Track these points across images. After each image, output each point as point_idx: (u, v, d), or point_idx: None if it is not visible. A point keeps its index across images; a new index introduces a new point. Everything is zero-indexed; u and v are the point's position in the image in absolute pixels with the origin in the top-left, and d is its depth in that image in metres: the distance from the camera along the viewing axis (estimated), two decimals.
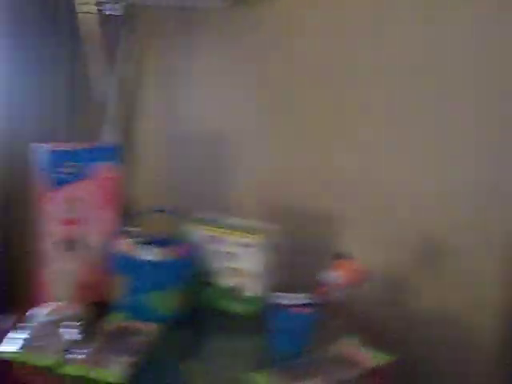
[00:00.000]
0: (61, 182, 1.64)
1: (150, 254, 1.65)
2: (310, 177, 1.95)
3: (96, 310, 1.60)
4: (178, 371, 1.48)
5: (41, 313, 1.55)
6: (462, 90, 1.76)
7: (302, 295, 1.58)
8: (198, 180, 2.10)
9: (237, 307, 1.73)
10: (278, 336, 1.55)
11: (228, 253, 1.72)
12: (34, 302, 1.63)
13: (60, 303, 1.60)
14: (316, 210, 1.93)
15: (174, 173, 2.13)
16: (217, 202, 2.04)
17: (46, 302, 1.63)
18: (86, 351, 1.43)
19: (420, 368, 1.83)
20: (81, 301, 1.64)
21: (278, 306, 1.55)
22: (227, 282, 1.73)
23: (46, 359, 1.39)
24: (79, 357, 1.41)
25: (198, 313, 1.70)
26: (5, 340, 1.45)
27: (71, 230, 1.67)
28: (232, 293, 1.73)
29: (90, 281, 1.70)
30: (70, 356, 1.41)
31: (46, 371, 1.37)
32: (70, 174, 1.65)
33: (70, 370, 1.37)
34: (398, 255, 1.86)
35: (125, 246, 1.66)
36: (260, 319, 1.65)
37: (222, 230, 1.74)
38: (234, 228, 1.74)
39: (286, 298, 1.58)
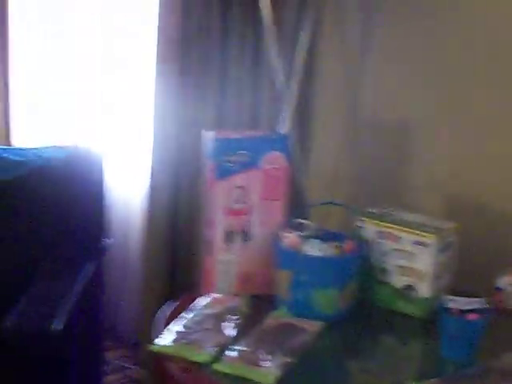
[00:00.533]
0: (228, 172, 1.60)
1: (317, 250, 1.58)
2: (496, 167, 1.79)
3: (257, 303, 1.56)
4: (336, 372, 1.40)
5: (202, 304, 1.53)
6: None
7: (477, 300, 1.45)
8: (375, 171, 2.00)
9: (406, 308, 1.61)
10: (448, 342, 1.43)
11: (401, 251, 1.61)
12: (198, 291, 1.62)
13: (221, 295, 1.57)
14: (501, 208, 1.78)
15: (349, 163, 2.05)
16: (393, 194, 1.94)
17: (209, 291, 1.60)
18: (242, 348, 1.38)
19: None
20: (243, 293, 1.60)
21: (451, 311, 1.43)
22: (398, 281, 1.62)
23: (200, 355, 1.36)
24: (235, 354, 1.36)
25: (364, 311, 1.61)
26: (163, 332, 1.43)
27: (237, 220, 1.63)
28: (402, 293, 1.62)
29: (254, 273, 1.65)
30: (226, 352, 1.37)
31: (199, 367, 1.34)
32: (237, 163, 1.60)
33: (223, 367, 1.33)
34: None
35: (291, 239, 1.59)
36: (430, 322, 1.53)
37: (396, 226, 1.63)
38: (408, 225, 1.62)
39: (459, 302, 1.45)
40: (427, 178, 1.90)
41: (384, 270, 1.64)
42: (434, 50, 1.86)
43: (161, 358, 1.38)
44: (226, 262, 1.64)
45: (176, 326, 1.45)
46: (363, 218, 1.66)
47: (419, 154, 1.92)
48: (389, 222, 1.64)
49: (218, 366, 1.33)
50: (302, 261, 1.56)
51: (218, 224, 1.63)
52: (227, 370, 1.32)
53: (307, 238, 1.62)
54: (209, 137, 1.63)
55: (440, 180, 1.88)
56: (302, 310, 1.54)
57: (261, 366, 1.32)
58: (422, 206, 1.84)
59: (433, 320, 1.51)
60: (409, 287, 1.61)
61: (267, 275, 1.62)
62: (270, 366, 1.33)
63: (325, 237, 1.63)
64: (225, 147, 1.60)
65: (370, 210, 1.70)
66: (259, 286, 1.64)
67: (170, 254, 2.27)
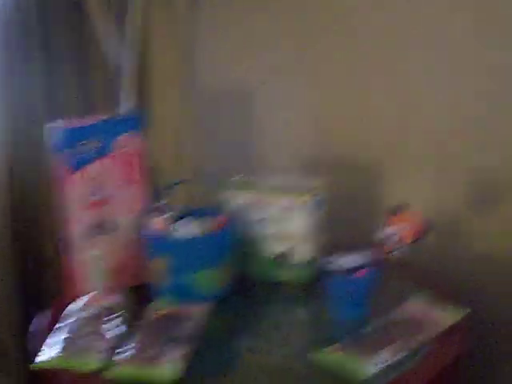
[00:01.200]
0: (81, 163, 1.48)
1: (187, 231, 1.50)
2: (350, 125, 1.79)
3: (135, 297, 1.46)
4: (234, 351, 1.34)
5: (77, 308, 1.42)
6: None
7: (359, 256, 1.43)
8: (226, 142, 1.95)
9: (286, 275, 1.58)
10: (338, 303, 1.41)
11: (272, 217, 1.57)
12: (67, 296, 1.50)
13: (95, 294, 1.46)
14: (361, 160, 1.78)
15: (198, 135, 1.98)
16: (250, 161, 1.89)
17: (79, 294, 1.49)
18: (133, 346, 1.29)
19: (494, 317, 1.68)
20: (117, 288, 1.50)
21: (334, 271, 1.41)
22: (274, 249, 1.58)
23: (91, 363, 1.25)
24: (125, 355, 1.26)
25: (245, 286, 1.56)
26: (43, 347, 1.30)
27: (98, 212, 1.52)
28: (280, 261, 1.58)
29: (125, 265, 1.55)
30: (118, 356, 1.27)
31: (94, 376, 1.24)
32: (89, 151, 1.49)
33: (116, 373, 1.23)
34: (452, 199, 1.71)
35: (158, 224, 1.51)
36: (312, 286, 1.51)
37: (263, 192, 1.58)
38: (275, 189, 1.58)
39: (342, 261, 1.43)
40: (283, 139, 1.86)
41: (258, 241, 1.59)
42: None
43: (46, 375, 1.26)
44: (92, 258, 1.52)
45: (55, 338, 1.33)
46: (227, 190, 1.60)
47: (274, 117, 1.88)
48: (254, 190, 1.59)
49: (109, 373, 1.23)
50: (173, 245, 1.48)
51: (76, 220, 1.51)
52: (121, 375, 1.22)
53: (175, 219, 1.54)
54: (54, 128, 1.49)
55: (297, 140, 1.86)
56: (183, 295, 1.47)
57: (156, 364, 1.24)
58: (282, 167, 1.80)
59: (315, 284, 1.49)
60: (285, 254, 1.57)
61: (140, 265, 1.52)
62: (166, 361, 1.24)
63: (192, 216, 1.56)
64: (74, 137, 1.47)
65: (232, 180, 1.64)
66: (134, 278, 1.55)
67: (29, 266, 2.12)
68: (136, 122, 1.55)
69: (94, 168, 1.50)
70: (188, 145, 2.00)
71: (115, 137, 1.51)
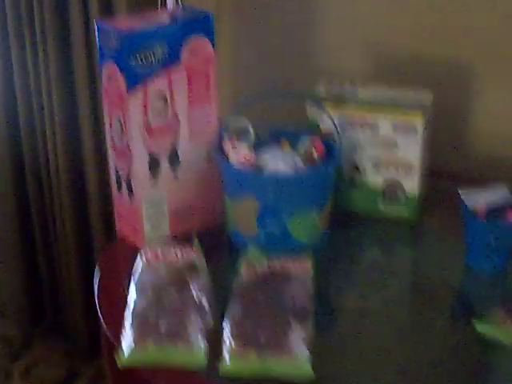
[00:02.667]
0: (140, 77, 1.12)
1: (280, 162, 1.17)
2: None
3: (211, 249, 1.14)
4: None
5: (141, 268, 1.09)
6: None
7: (495, 192, 1.14)
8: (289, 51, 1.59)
9: (393, 211, 1.27)
10: (478, 249, 1.12)
11: (379, 140, 1.24)
12: (118, 248, 1.18)
13: (159, 248, 1.13)
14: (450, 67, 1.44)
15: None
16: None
17: (136, 245, 1.17)
18: (240, 324, 0.98)
19: None
20: (185, 237, 1.18)
21: (474, 212, 1.11)
22: (378, 179, 1.27)
23: (197, 356, 0.94)
24: (239, 338, 0.95)
25: (346, 225, 1.25)
26: (123, 334, 0.98)
27: (161, 141, 1.17)
28: (386, 193, 1.27)
29: (195, 207, 1.23)
30: (227, 341, 0.96)
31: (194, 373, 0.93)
32: (151, 63, 1.12)
33: (243, 366, 0.93)
34: None
35: (242, 153, 1.17)
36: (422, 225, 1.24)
37: (367, 107, 1.25)
38: (381, 104, 1.25)
39: (478, 197, 1.13)
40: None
41: (358, 169, 1.27)
42: None
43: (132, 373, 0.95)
44: (154, 199, 1.19)
45: (133, 319, 1.00)
46: (319, 106, 1.25)
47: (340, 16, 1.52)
48: (355, 104, 1.25)
49: (227, 369, 0.93)
50: (266, 182, 1.15)
51: (136, 151, 1.16)
52: (245, 370, 0.92)
53: (259, 147, 1.20)
54: (105, 30, 1.12)
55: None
56: (277, 245, 1.16)
57: (284, 353, 0.93)
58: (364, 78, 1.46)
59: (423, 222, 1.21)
60: (393, 185, 1.26)
61: (214, 208, 1.21)
62: (295, 348, 0.94)
63: (277, 140, 1.23)
64: (132, 44, 1.10)
65: (321, 92, 1.30)
66: (202, 223, 1.23)
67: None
68: (207, 22, 1.18)
69: (157, 84, 1.13)
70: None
71: (182, 43, 1.15)
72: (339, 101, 1.26)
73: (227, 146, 1.18)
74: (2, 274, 2.07)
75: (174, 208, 1.21)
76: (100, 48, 1.14)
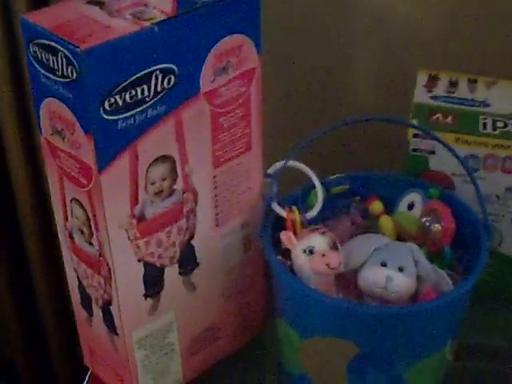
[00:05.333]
0: (120, 140, 0.54)
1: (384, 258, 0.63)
2: None
3: None
4: None
5: None
6: None
7: None
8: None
9: None
10: None
11: None
12: None
13: None
14: None
15: None
16: None
17: None
18: None
19: None
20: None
21: None
22: None
23: None
24: None
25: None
26: None
27: (164, 239, 0.61)
28: None
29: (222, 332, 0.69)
30: None
31: None
32: (138, 106, 0.55)
33: None
34: None
35: (317, 255, 0.62)
36: None
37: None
38: None
39: None
40: None
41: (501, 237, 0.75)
42: None
43: None
44: (154, 333, 0.64)
45: None
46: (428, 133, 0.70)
47: None
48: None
49: None
50: (370, 319, 0.61)
51: (118, 262, 0.59)
52: None
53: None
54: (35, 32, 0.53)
55: None
56: None
57: None
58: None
59: None
60: None
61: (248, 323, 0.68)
62: None
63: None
64: (102, 69, 0.52)
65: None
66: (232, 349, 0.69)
67: None
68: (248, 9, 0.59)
69: (153, 139, 0.56)
70: None
71: (202, 52, 0.57)
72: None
73: (285, 236, 0.63)
74: None
75: (189, 339, 0.67)
76: (32, 73, 0.55)
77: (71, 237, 0.61)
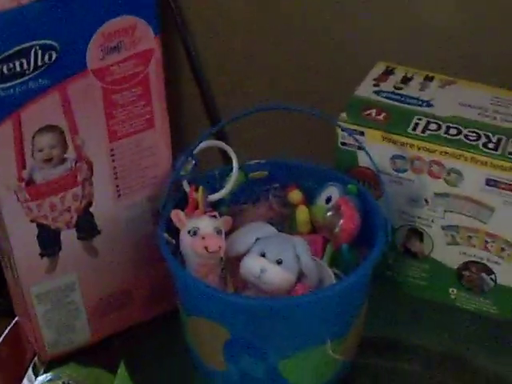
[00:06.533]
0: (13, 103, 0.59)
1: (272, 251, 0.64)
2: None
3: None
4: None
5: None
6: None
7: None
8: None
9: (483, 307, 0.74)
10: None
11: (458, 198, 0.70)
12: None
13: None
14: None
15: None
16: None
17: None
18: None
19: None
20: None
21: None
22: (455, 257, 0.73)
23: None
24: None
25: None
26: None
27: (57, 204, 0.65)
28: (468, 278, 0.74)
29: (130, 299, 0.73)
30: None
31: None
32: (19, 76, 0.58)
33: None
34: None
35: (198, 236, 0.64)
36: None
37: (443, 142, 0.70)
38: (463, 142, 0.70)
39: None
40: None
41: (422, 237, 0.74)
42: None
43: None
44: (54, 291, 0.68)
45: None
46: (358, 128, 0.70)
47: None
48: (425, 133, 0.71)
49: None
50: (240, 309, 0.63)
51: (10, 221, 0.64)
52: None
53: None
54: None
55: None
56: None
57: None
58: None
59: None
60: (476, 268, 0.73)
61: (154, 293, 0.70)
62: None
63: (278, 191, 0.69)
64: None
65: (362, 99, 0.74)
66: (141, 318, 0.73)
67: None
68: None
69: (37, 108, 0.60)
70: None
71: (90, 28, 0.59)
72: (395, 123, 0.70)
73: (175, 215, 0.65)
74: None
75: (95, 301, 0.71)
76: None
77: None
